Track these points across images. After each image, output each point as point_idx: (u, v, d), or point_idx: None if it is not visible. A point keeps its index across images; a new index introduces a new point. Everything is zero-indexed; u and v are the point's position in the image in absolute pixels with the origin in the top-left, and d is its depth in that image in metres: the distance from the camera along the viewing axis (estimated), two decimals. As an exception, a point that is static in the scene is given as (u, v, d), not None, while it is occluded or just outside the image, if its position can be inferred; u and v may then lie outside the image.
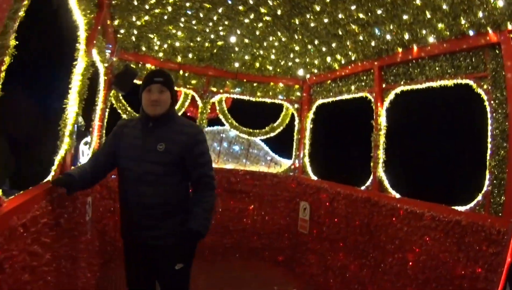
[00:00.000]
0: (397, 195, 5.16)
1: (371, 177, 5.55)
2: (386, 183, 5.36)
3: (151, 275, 3.32)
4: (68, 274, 3.53)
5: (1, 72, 2.08)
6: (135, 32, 6.03)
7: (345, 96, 6.44)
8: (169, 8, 5.22)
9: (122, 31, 5.87)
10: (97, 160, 3.35)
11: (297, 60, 6.85)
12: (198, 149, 3.16)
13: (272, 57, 6.95)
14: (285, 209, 7.41)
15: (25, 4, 2.18)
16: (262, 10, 5.19)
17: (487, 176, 3.93)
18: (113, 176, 6.33)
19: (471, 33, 4.14)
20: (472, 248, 3.78)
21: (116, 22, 5.39)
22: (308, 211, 6.75)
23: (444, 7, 4.00)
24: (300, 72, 7.32)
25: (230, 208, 7.24)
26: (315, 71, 7.05)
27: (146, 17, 5.46)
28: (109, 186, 6.43)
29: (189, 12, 5.40)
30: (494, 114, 3.90)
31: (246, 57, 7.17)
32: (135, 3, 4.88)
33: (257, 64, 7.40)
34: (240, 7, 5.18)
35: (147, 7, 5.07)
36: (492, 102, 3.93)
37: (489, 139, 3.95)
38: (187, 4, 5.12)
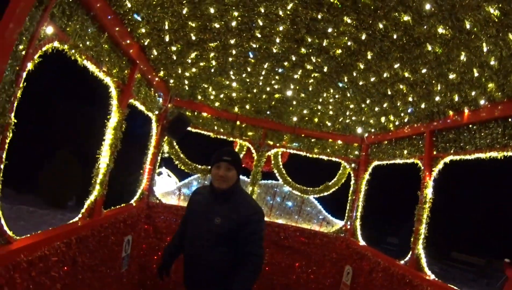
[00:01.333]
0: (432, 276, 4.70)
1: (410, 252, 5.11)
2: (423, 261, 4.91)
3: None
4: None
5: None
6: (187, 82, 6.23)
7: (398, 161, 6.08)
8: (213, 62, 5.36)
9: (171, 81, 6.09)
10: (181, 231, 3.93)
11: (353, 117, 6.67)
12: (249, 228, 3.44)
13: (330, 112, 6.84)
14: (330, 270, 7.13)
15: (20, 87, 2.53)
16: (308, 66, 5.16)
17: None
18: (162, 217, 6.71)
19: None
20: None
21: (161, 74, 5.60)
22: (350, 276, 6.45)
23: (492, 62, 3.52)
24: (359, 130, 7.11)
25: (277, 262, 7.12)
26: (372, 130, 6.81)
27: (193, 69, 5.64)
28: (156, 225, 6.72)
29: (236, 67, 5.52)
30: None
31: (305, 112, 7.12)
32: (174, 57, 5.06)
33: (316, 119, 7.32)
34: (285, 63, 5.18)
35: (189, 61, 5.24)
36: None
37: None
38: (230, 59, 5.22)
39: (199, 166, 7.29)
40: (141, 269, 6.38)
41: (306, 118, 7.33)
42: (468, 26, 3.28)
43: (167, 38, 4.45)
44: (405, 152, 5.83)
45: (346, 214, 7.35)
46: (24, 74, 2.53)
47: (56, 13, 2.76)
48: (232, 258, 3.48)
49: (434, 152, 5.09)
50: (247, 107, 7.19)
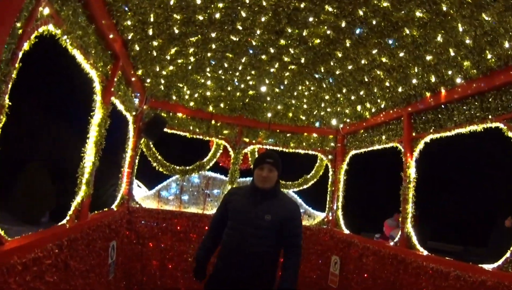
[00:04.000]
0: (425, 252, 5.03)
1: (399, 232, 5.46)
2: (414, 239, 5.25)
3: None
4: None
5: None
6: (163, 81, 6.36)
7: (376, 147, 6.46)
8: (191, 58, 5.54)
9: (148, 80, 6.19)
10: (215, 232, 4.17)
11: (328, 109, 7.00)
12: (294, 223, 3.90)
13: (305, 106, 7.15)
14: (316, 262, 7.37)
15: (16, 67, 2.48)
16: (286, 58, 5.43)
17: None
18: (142, 221, 6.74)
19: (499, 68, 3.95)
20: None
21: (139, 72, 5.68)
22: (338, 265, 6.70)
23: (468, 41, 3.90)
24: (333, 121, 7.46)
25: None
26: (347, 120, 7.16)
27: (171, 67, 5.79)
28: (138, 231, 6.75)
29: (213, 62, 5.72)
30: None
31: (279, 107, 7.40)
32: (154, 54, 5.19)
33: (290, 114, 7.61)
34: (263, 56, 5.41)
35: (168, 57, 5.39)
36: None
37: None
38: (209, 54, 5.43)
39: (177, 167, 7.42)
40: (126, 277, 6.39)
41: (281, 114, 7.61)
42: (444, 8, 3.64)
43: (150, 32, 4.57)
44: (384, 137, 6.20)
45: (327, 206, 7.65)
46: (20, 54, 2.50)
47: None
48: (278, 249, 3.95)
49: (413, 134, 5.47)
50: (222, 105, 7.40)
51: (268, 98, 7.05)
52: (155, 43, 4.91)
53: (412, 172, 5.40)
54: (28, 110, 17.17)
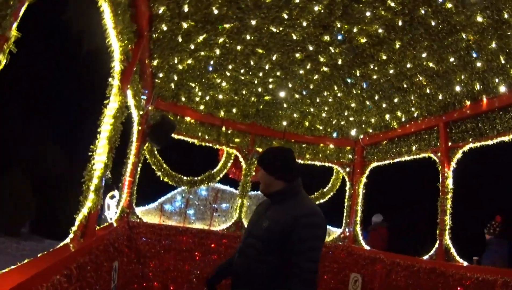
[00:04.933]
0: (465, 263, 4.85)
1: (437, 245, 5.23)
2: (453, 251, 5.03)
3: None
4: None
5: None
6: (175, 78, 5.91)
7: (405, 158, 6.23)
8: (217, 51, 5.16)
9: (160, 75, 5.71)
10: None
11: (351, 118, 6.75)
12: (297, 234, 2.84)
13: (323, 115, 6.87)
14: (332, 281, 6.96)
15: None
16: (321, 59, 5.15)
17: None
18: (143, 238, 6.23)
19: None
20: None
21: (155, 62, 5.19)
22: (359, 283, 6.35)
23: None
24: (353, 132, 7.21)
25: None
26: (370, 130, 6.92)
27: (189, 60, 5.37)
28: (138, 249, 6.21)
29: (238, 59, 5.35)
30: None
31: (295, 115, 7.10)
32: (180, 40, 4.70)
33: (307, 123, 7.31)
34: (297, 55, 5.12)
35: (192, 46, 4.96)
36: None
37: None
38: (238, 47, 5.07)
39: (185, 178, 6.95)
40: None
41: (296, 122, 7.32)
42: (506, 16, 3.61)
43: (185, 8, 4.06)
44: (414, 148, 6.00)
45: (344, 221, 7.34)
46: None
47: None
48: (279, 273, 2.95)
49: (450, 143, 5.34)
50: (234, 111, 7.04)
51: (285, 105, 6.77)
52: (184, 25, 4.40)
53: (450, 182, 5.26)
54: (8, 112, 16.33)
